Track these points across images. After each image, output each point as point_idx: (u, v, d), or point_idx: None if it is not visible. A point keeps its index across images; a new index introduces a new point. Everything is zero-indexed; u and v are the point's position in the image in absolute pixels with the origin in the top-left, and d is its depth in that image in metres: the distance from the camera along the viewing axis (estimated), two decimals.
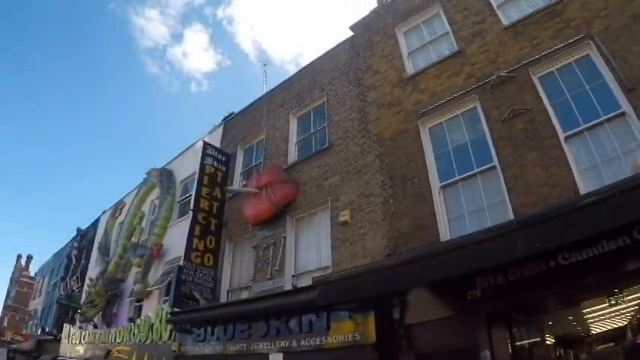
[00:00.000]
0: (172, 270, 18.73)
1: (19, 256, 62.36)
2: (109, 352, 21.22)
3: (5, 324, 48.26)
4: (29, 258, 62.25)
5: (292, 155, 16.45)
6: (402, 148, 12.49)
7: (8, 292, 60.02)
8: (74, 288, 30.61)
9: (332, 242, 12.86)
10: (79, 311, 27.86)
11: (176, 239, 19.95)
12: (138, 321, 19.46)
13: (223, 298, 16.35)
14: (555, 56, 10.80)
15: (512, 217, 9.47)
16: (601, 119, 9.65)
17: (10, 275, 61.88)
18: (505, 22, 12.18)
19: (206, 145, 19.05)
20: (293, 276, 13.81)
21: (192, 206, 17.57)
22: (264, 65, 56.07)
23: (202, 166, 18.24)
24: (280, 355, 12.11)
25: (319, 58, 17.56)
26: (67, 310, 30.97)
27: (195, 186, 19.17)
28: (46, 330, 33.46)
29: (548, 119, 10.18)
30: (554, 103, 10.42)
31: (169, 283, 18.26)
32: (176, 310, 15.97)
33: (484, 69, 11.81)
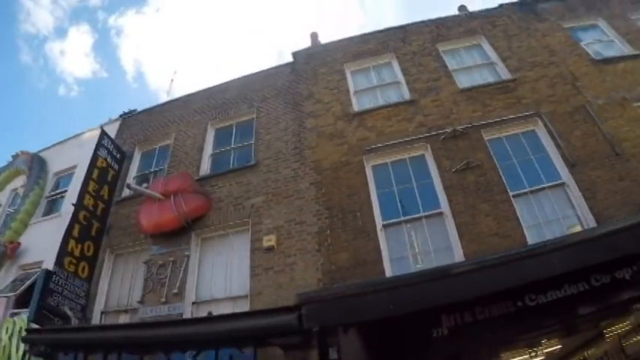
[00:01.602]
0: (28, 277, 15.86)
1: None
2: None
3: None
4: None
5: (205, 167, 15.02)
6: (344, 180, 12.33)
7: None
8: None
9: (251, 269, 11.58)
10: None
11: (37, 240, 16.93)
12: None
13: (95, 320, 13.45)
14: (505, 124, 12.28)
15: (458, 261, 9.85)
16: (544, 185, 11.17)
17: None
18: (460, 85, 13.53)
19: (104, 134, 16.26)
20: (194, 303, 12.01)
21: (74, 201, 14.66)
22: (175, 73, 53.07)
23: (95, 157, 15.45)
24: None
25: (252, 74, 17.12)
26: None
27: (72, 181, 17.69)
28: None
29: (498, 176, 11.19)
30: (503, 164, 11.55)
31: (25, 291, 15.15)
32: (36, 327, 12.73)
33: (437, 121, 12.66)
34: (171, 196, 13.20)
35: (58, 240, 14.98)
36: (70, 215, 14.98)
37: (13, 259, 17.06)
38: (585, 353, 11.61)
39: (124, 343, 10.87)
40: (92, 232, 14.45)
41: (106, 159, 15.75)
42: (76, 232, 13.89)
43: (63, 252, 13.41)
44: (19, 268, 16.89)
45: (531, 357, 10.76)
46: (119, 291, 13.91)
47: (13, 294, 15.48)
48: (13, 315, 15.73)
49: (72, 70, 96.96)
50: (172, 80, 32.25)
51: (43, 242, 16.34)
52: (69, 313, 12.81)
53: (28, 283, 15.43)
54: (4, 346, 13.97)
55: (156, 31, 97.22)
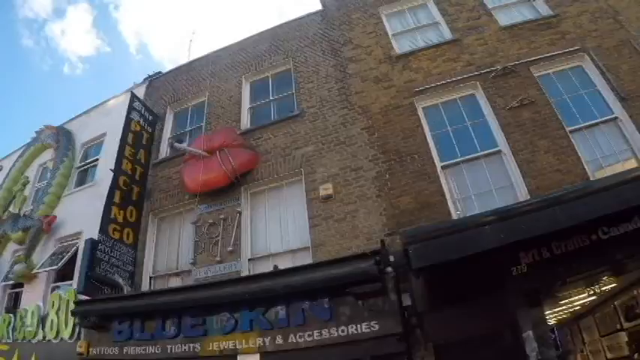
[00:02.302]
0: (67, 249, 15.30)
1: None
2: None
3: None
4: None
5: (245, 121, 14.16)
6: (396, 123, 11.70)
7: None
8: None
9: (310, 220, 10.92)
10: None
11: (72, 212, 16.29)
12: (21, 311, 14.93)
13: (144, 286, 12.84)
14: (552, 61, 11.58)
15: (522, 199, 9.45)
16: (597, 121, 10.59)
17: None
18: (501, 23, 12.79)
19: (134, 97, 15.40)
20: (250, 260, 11.43)
21: (110, 168, 13.94)
22: (193, 33, 52.08)
23: (128, 120, 14.63)
24: (256, 357, 9.34)
25: (281, 25, 16.12)
26: None
27: (102, 149, 17.40)
28: None
29: (553, 112, 10.63)
30: (555, 100, 10.95)
31: (65, 264, 14.73)
32: (85, 298, 12.12)
33: (484, 59, 12.00)
34: (217, 153, 12.52)
35: (94, 209, 14.36)
36: (106, 183, 14.40)
37: (50, 233, 16.43)
38: (635, 291, 10.93)
39: (184, 305, 10.29)
40: (133, 196, 13.74)
41: (139, 122, 14.97)
42: (117, 198, 13.16)
43: (106, 219, 12.68)
44: (56, 242, 16.25)
45: (589, 295, 10.77)
46: (167, 254, 13.27)
47: (53, 267, 14.84)
48: (54, 289, 15.22)
49: (75, 49, 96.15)
50: (191, 41, 31.04)
51: (79, 213, 15.74)
52: (120, 281, 12.15)
53: (68, 255, 14.85)
54: (52, 320, 13.37)
55: (153, 2, 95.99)
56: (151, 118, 15.58)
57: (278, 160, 12.34)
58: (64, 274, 15.34)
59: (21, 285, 16.83)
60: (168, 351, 10.31)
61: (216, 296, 9.84)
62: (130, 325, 11.22)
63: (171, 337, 10.41)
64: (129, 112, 14.73)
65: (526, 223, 7.48)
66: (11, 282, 17.07)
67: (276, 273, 9.53)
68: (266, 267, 10.64)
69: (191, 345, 10.08)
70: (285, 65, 14.74)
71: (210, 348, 9.80)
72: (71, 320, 12.77)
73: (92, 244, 12.21)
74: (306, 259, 10.44)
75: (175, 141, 14.44)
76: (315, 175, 11.50)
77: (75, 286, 13.23)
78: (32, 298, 15.50)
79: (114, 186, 13.23)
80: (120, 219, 13.03)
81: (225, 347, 9.64)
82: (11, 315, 15.28)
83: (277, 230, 11.61)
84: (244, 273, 11.00)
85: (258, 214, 12.15)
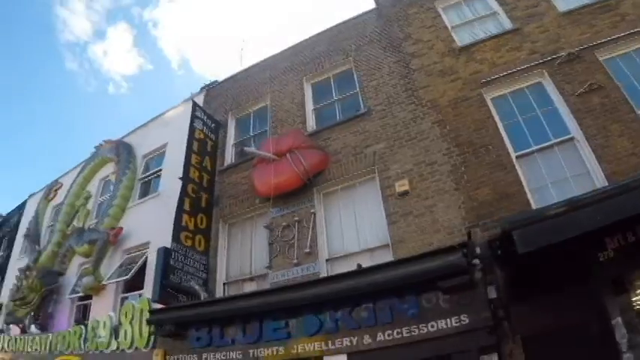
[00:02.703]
0: (134, 260, 15.35)
1: None
2: None
3: None
4: None
5: (311, 123, 13.94)
6: (467, 115, 11.38)
7: None
8: None
9: (387, 217, 10.60)
10: None
11: (138, 223, 16.40)
12: (93, 322, 14.88)
13: (219, 293, 12.72)
14: (616, 44, 11.01)
15: (599, 186, 9.04)
16: None
17: None
18: (559, 9, 12.26)
19: (195, 106, 15.31)
20: (327, 260, 11.15)
21: (175, 177, 13.98)
22: (243, 41, 52.61)
23: (192, 129, 14.58)
24: (343, 358, 9.04)
25: (337, 25, 15.83)
26: None
27: (164, 160, 17.48)
28: None
29: (622, 96, 10.17)
30: (623, 84, 10.43)
31: (136, 274, 14.74)
32: (160, 307, 12.10)
33: (547, 47, 11.59)
34: (287, 155, 12.40)
35: (160, 219, 14.55)
36: (171, 192, 14.54)
37: (116, 245, 16.50)
38: None
39: (266, 309, 10.05)
40: (202, 204, 13.62)
41: (202, 130, 14.88)
42: (187, 206, 13.05)
43: (178, 227, 12.58)
44: (123, 253, 16.32)
45: None
46: (239, 260, 13.12)
47: (124, 278, 14.84)
48: (123, 300, 15.24)
49: (118, 69, 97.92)
50: (242, 49, 31.12)
51: (145, 224, 15.81)
52: (196, 287, 12.02)
53: (137, 265, 14.85)
54: (125, 330, 13.31)
55: (191, 16, 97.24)
56: (213, 125, 15.47)
57: (349, 159, 12.12)
58: (132, 285, 15.35)
59: (89, 297, 16.91)
60: (251, 355, 10.13)
61: (298, 298, 9.59)
62: (209, 331, 11.05)
63: (254, 341, 10.21)
64: (192, 121, 14.66)
65: (621, 204, 7.15)
66: (79, 294, 17.16)
67: (361, 271, 9.20)
68: (344, 267, 10.33)
69: (274, 348, 9.87)
70: (345, 65, 14.53)
71: (295, 351, 9.57)
72: (146, 329, 12.66)
73: (165, 253, 12.12)
74: (385, 257, 10.12)
75: (237, 148, 14.67)
76: (389, 172, 11.24)
77: (148, 295, 13.10)
78: (101, 309, 15.55)
79: (183, 194, 13.12)
80: (191, 226, 12.92)
81: (311, 349, 9.41)
82: (82, 326, 15.26)
83: (353, 230, 11.35)
84: (323, 274, 10.78)
85: (332, 215, 11.92)
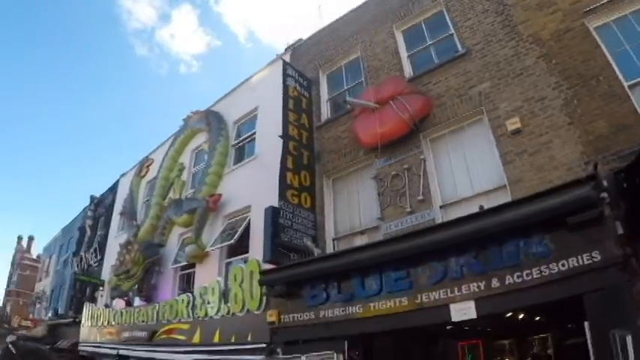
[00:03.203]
0: (236, 224, 15.18)
1: (19, 238, 58.48)
2: (154, 334, 16.68)
3: (8, 310, 44.26)
4: (30, 239, 58.39)
5: (407, 69, 13.23)
6: (572, 47, 10.46)
7: (10, 276, 56.18)
8: (92, 262, 26.06)
9: (502, 157, 10.03)
10: (100, 288, 23.70)
11: (237, 188, 16.29)
12: (200, 289, 14.90)
13: (328, 249, 12.34)
14: None
15: None
16: None
17: (11, 259, 57.98)
18: None
19: (286, 64, 14.84)
20: (441, 207, 10.64)
21: (267, 141, 14.21)
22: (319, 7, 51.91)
23: (285, 87, 14.12)
24: (470, 304, 8.45)
25: None
26: (83, 289, 26.72)
27: (257, 123, 17.35)
28: (59, 313, 28.82)
29: None
30: None
31: (239, 238, 14.66)
32: (271, 267, 11.84)
33: None
34: (390, 102, 11.80)
35: (260, 181, 14.45)
36: (268, 154, 14.66)
37: (217, 212, 16.41)
38: None
39: (385, 260, 9.61)
40: (304, 161, 13.24)
41: (295, 87, 14.43)
42: (290, 164, 12.70)
43: (284, 185, 12.25)
44: (224, 219, 16.23)
45: None
46: (347, 215, 12.73)
47: (228, 242, 14.71)
48: (228, 265, 15.16)
49: (187, 49, 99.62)
50: (320, 6, 30.54)
51: (244, 187, 15.66)
52: (309, 244, 11.71)
53: (241, 229, 14.69)
54: (235, 293, 13.15)
55: None
56: (305, 82, 15.02)
57: (454, 102, 11.49)
58: (235, 249, 15.31)
59: (191, 266, 17.03)
60: (372, 308, 9.73)
61: (420, 245, 9.05)
62: (325, 287, 10.70)
63: (374, 294, 9.79)
64: (285, 79, 14.24)
65: None
66: (182, 264, 17.27)
67: (484, 213, 8.57)
68: (458, 213, 9.72)
69: (397, 300, 9.43)
70: (436, 7, 13.73)
71: (419, 300, 9.09)
72: (257, 291, 12.47)
73: (273, 212, 11.85)
74: (502, 200, 9.51)
75: (332, 103, 14.45)
76: (497, 112, 10.63)
77: (256, 257, 12.98)
78: (206, 276, 15.56)
79: (285, 152, 12.75)
80: (296, 184, 12.57)
81: (436, 297, 8.91)
82: (189, 294, 15.33)
83: (464, 174, 10.81)
84: (438, 221, 10.26)
85: (442, 160, 11.37)
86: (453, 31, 12.67)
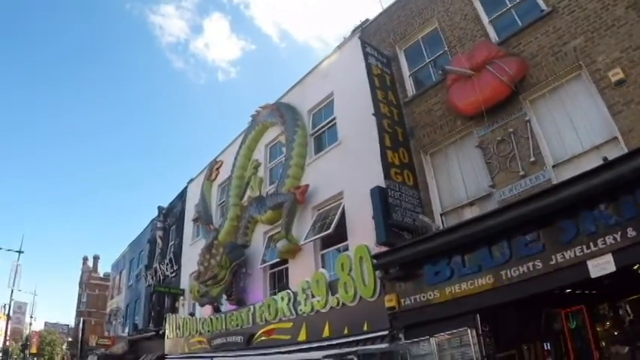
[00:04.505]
0: (329, 213, 15.18)
1: (85, 259, 59.64)
2: (252, 337, 16.59)
3: (81, 330, 45.09)
4: (96, 258, 59.57)
5: (492, 34, 13.02)
6: None
7: (80, 297, 57.35)
8: (168, 273, 26.35)
9: (609, 109, 9.94)
10: (181, 297, 24.01)
11: (324, 176, 16.20)
12: (302, 284, 14.63)
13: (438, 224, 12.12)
14: None
15: None
16: None
17: (78, 279, 59.27)
18: None
19: (365, 43, 14.65)
20: (553, 166, 10.59)
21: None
22: None
23: (368, 66, 13.94)
24: (608, 258, 8.22)
25: None
26: (161, 301, 27.03)
27: (334, 108, 17.14)
28: (139, 327, 29.19)
29: None
30: None
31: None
32: (383, 250, 11.74)
33: None
34: (486, 67, 11.66)
35: (350, 166, 14.68)
36: (352, 138, 15.02)
37: (305, 204, 16.33)
38: None
39: (513, 225, 9.48)
40: (399, 138, 13.10)
41: (377, 65, 14.27)
42: (387, 142, 12.59)
43: (386, 163, 12.20)
44: (313, 210, 16.21)
45: None
46: (449, 187, 12.62)
47: (326, 232, 14.66)
48: (323, 257, 15.08)
49: (222, 56, 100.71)
50: None
51: (332, 175, 15.61)
52: (425, 219, 11.57)
53: (337, 216, 14.62)
54: (344, 283, 12.99)
55: None
56: (384, 60, 14.86)
57: (549, 60, 11.29)
58: (328, 240, 15.32)
59: (282, 263, 17.07)
60: (503, 277, 9.57)
61: (548, 205, 8.92)
62: (448, 262, 10.56)
63: (504, 262, 9.63)
64: (366, 58, 14.08)
65: None
66: (272, 262, 17.30)
67: (610, 163, 8.41)
68: (571, 171, 9.70)
69: (529, 264, 9.25)
70: None
71: (554, 262, 8.91)
72: (370, 277, 12.30)
73: (380, 192, 11.83)
74: (614, 151, 9.46)
75: (415, 77, 14.54)
76: (596, 65, 10.42)
77: (357, 243, 13.03)
78: (301, 271, 15.55)
79: (381, 130, 12.67)
80: (396, 161, 12.49)
81: (571, 256, 8.71)
82: (288, 291, 15.20)
83: (570, 131, 10.70)
84: (554, 181, 10.10)
85: (545, 120, 11.24)
86: None
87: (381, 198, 11.70)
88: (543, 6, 11.94)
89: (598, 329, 11.52)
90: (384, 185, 11.97)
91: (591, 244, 8.49)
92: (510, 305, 9.93)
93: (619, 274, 8.18)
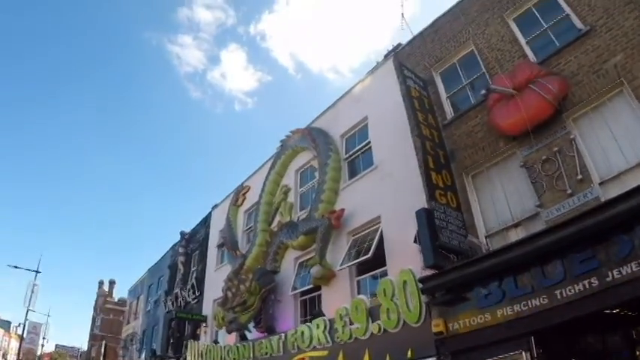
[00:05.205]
0: (365, 238, 15.17)
1: (100, 283, 59.68)
2: None
3: (94, 355, 44.98)
4: (112, 283, 59.65)
5: (530, 54, 13.22)
6: None
7: (94, 320, 57.36)
8: (189, 299, 26.22)
9: None
10: (203, 324, 23.84)
11: (359, 201, 16.20)
12: (340, 311, 14.39)
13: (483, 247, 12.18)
14: None
15: None
16: None
17: (93, 304, 59.30)
18: None
19: (402, 66, 14.89)
20: (600, 184, 10.62)
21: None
22: (402, 6, 51.76)
23: (407, 88, 14.20)
24: None
25: None
26: (181, 327, 26.87)
27: (368, 132, 17.34)
28: (157, 354, 28.98)
29: None
30: None
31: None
32: (430, 273, 11.71)
33: None
34: (530, 86, 11.83)
35: (386, 190, 14.86)
36: (389, 162, 15.30)
37: (340, 229, 16.28)
38: None
39: (566, 243, 9.46)
40: (441, 160, 13.18)
41: (415, 87, 14.42)
42: (431, 164, 12.67)
43: (430, 185, 12.26)
44: (348, 236, 16.18)
45: None
46: (495, 209, 12.59)
47: (366, 257, 14.59)
48: (359, 283, 15.03)
49: (239, 87, 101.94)
50: (402, 14, 30.34)
51: (368, 200, 15.66)
52: (475, 240, 11.57)
53: (375, 241, 14.59)
54: (387, 309, 12.88)
55: (294, 21, 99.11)
56: (421, 83, 15.01)
57: (590, 78, 11.47)
58: (364, 266, 15.26)
59: (313, 290, 17.00)
60: (558, 297, 9.52)
61: (600, 222, 8.97)
62: (499, 284, 10.54)
63: (558, 281, 9.61)
64: (404, 81, 14.33)
65: None
66: (305, 288, 17.24)
67: None
68: (618, 189, 9.74)
69: (585, 282, 9.23)
70: None
71: (610, 277, 8.90)
72: (414, 303, 12.21)
73: (427, 214, 11.82)
74: None
75: (453, 99, 14.75)
76: (638, 81, 10.59)
77: (397, 267, 13.11)
78: (336, 297, 15.47)
79: (424, 152, 12.78)
80: (440, 184, 12.52)
81: (628, 272, 8.69)
82: (324, 318, 15.03)
83: (615, 147, 10.77)
84: (602, 199, 10.12)
85: (588, 138, 11.34)
86: (568, 12, 12.75)
87: (427, 219, 11.68)
88: (580, 25, 12.21)
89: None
90: (426, 208, 12.05)
91: None
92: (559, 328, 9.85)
93: None
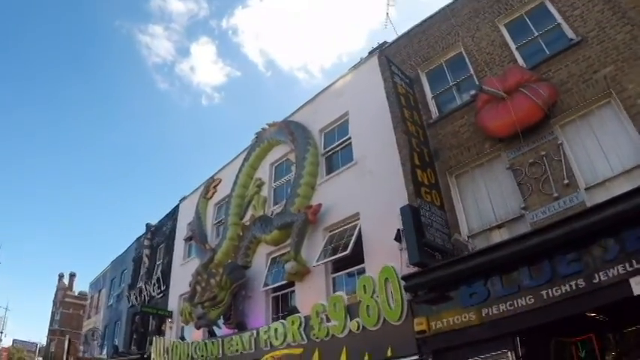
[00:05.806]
0: (342, 235, 15.15)
1: (60, 276, 58.51)
2: None
3: (53, 349, 44.11)
4: (72, 276, 58.51)
5: (520, 60, 13.43)
6: None
7: (53, 315, 56.22)
8: (154, 293, 25.76)
9: None
10: (169, 320, 23.36)
11: (337, 197, 16.08)
12: (316, 307, 14.30)
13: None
14: None
15: None
16: None
17: (52, 297, 58.16)
18: None
19: (389, 62, 14.84)
20: (586, 189, 10.85)
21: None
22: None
23: (394, 84, 14.15)
24: None
25: None
26: (145, 322, 26.43)
27: (349, 128, 17.25)
28: (120, 350, 28.42)
29: None
30: None
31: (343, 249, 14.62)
32: (413, 271, 11.59)
33: None
34: (520, 89, 12.00)
35: (365, 187, 14.86)
36: (369, 159, 15.21)
37: (316, 224, 16.18)
38: None
39: (555, 244, 9.55)
40: (425, 158, 13.17)
41: (401, 84, 14.41)
42: (417, 160, 12.64)
43: (416, 182, 12.21)
44: (324, 232, 16.07)
45: None
46: (478, 209, 12.67)
47: (344, 254, 14.49)
48: (334, 280, 14.94)
49: (207, 81, 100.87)
50: (387, 13, 30.31)
51: (346, 196, 15.59)
52: (461, 239, 11.61)
53: (354, 237, 14.51)
54: (367, 306, 12.81)
55: (267, 18, 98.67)
56: (407, 80, 15.02)
57: (580, 87, 11.73)
58: (339, 262, 15.19)
59: (286, 287, 16.93)
60: (544, 297, 9.64)
61: (590, 224, 9.09)
62: (485, 283, 10.60)
63: (546, 281, 9.73)
64: (392, 77, 14.31)
65: None
66: (277, 284, 17.12)
67: None
68: (603, 195, 10.02)
69: (571, 283, 9.36)
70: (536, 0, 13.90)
71: (596, 280, 9.05)
72: (396, 300, 12.19)
73: (412, 211, 11.82)
74: None
75: (438, 99, 14.80)
76: (627, 92, 10.86)
77: (375, 264, 13.18)
78: (310, 294, 15.35)
79: (411, 149, 12.76)
80: (425, 181, 12.51)
81: (614, 274, 8.86)
82: (299, 315, 14.89)
83: (600, 155, 11.06)
84: (588, 204, 10.32)
85: (574, 144, 11.57)
86: (559, 21, 13.02)
87: (412, 217, 11.68)
88: (572, 35, 12.44)
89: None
90: (411, 205, 12.11)
91: (634, 262, 8.67)
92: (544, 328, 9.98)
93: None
